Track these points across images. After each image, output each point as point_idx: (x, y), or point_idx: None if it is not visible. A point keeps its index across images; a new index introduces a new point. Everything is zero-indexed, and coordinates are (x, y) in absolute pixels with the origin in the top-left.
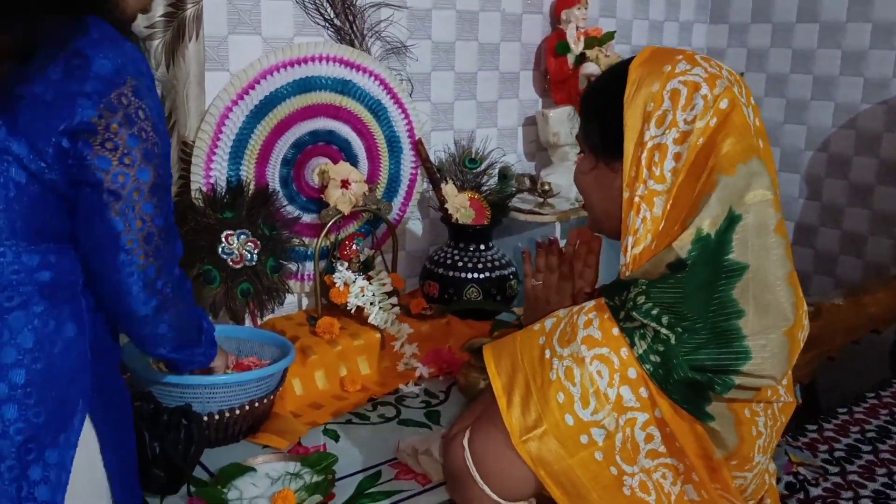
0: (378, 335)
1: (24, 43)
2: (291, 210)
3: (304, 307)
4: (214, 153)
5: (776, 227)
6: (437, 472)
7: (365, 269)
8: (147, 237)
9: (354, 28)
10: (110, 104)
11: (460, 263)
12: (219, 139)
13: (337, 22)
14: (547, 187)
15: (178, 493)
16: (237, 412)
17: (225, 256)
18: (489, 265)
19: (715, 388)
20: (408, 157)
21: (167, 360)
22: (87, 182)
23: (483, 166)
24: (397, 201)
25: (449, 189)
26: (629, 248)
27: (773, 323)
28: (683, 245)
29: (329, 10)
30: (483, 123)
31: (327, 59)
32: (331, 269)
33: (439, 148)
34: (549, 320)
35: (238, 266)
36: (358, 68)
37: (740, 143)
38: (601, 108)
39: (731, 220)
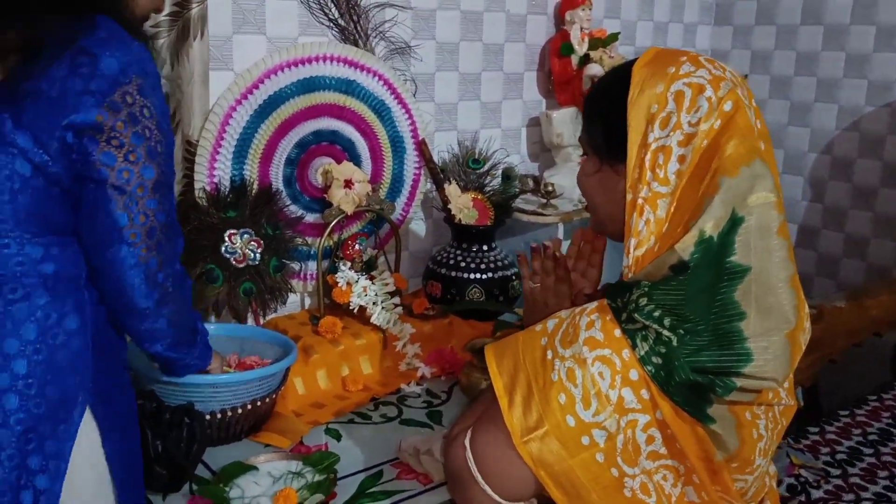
0: (380, 335)
1: (31, 40)
2: (295, 210)
3: (306, 306)
4: (218, 152)
5: (779, 230)
6: (439, 471)
7: (368, 268)
8: (149, 232)
9: (359, 28)
10: (115, 102)
11: (463, 264)
12: (223, 138)
13: (341, 22)
14: (550, 188)
15: (181, 492)
16: (239, 411)
17: (228, 255)
18: (492, 266)
19: (716, 391)
20: (411, 158)
21: (163, 358)
22: (92, 177)
23: (486, 167)
24: (400, 201)
25: (452, 189)
26: (632, 249)
27: (774, 325)
28: (686, 247)
29: (333, 10)
30: (487, 124)
31: (331, 59)
32: (333, 269)
33: (443, 148)
34: (551, 321)
35: (241, 265)
36: (362, 68)
37: (743, 145)
38: (605, 109)
39: (734, 223)
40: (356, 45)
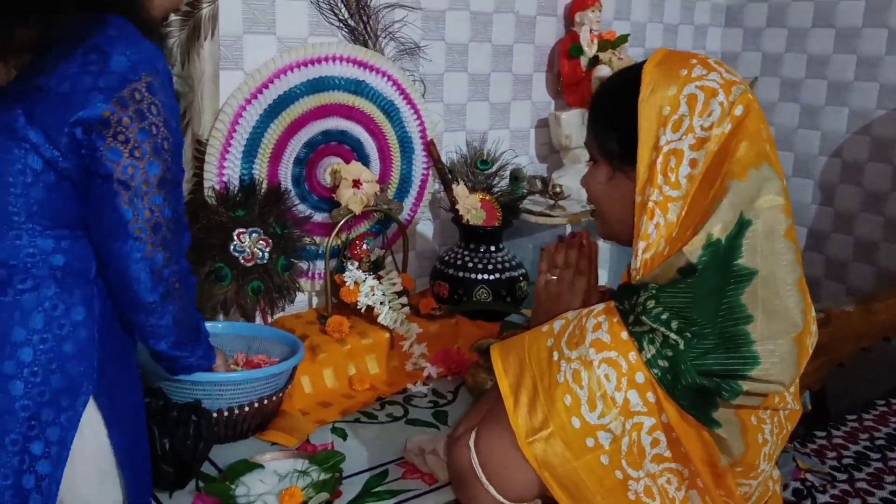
0: (387, 335)
1: (44, 37)
2: (303, 209)
3: (314, 306)
4: (228, 151)
5: (786, 233)
6: (444, 471)
7: (375, 268)
8: (155, 227)
9: (368, 29)
10: (123, 99)
11: (470, 264)
12: (232, 138)
13: (351, 22)
14: (558, 189)
15: (187, 489)
16: (246, 409)
17: (237, 254)
18: (499, 266)
19: (723, 394)
20: (420, 158)
21: (168, 356)
22: (98, 173)
23: (495, 168)
24: (408, 201)
25: (460, 190)
26: (640, 252)
27: (781, 328)
28: (694, 250)
29: (343, 10)
30: (495, 125)
31: (341, 60)
32: (341, 269)
33: (451, 149)
34: (557, 322)
35: (249, 264)
36: (371, 69)
37: (753, 149)
38: (615, 112)
39: (742, 226)
40: (366, 45)
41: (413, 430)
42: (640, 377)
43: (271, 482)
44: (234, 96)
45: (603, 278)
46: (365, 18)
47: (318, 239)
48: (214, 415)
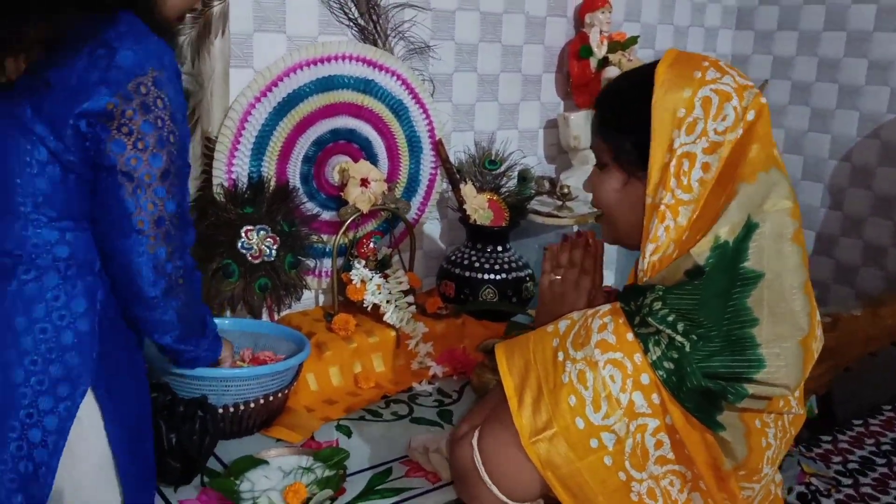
0: (393, 333)
1: (55, 34)
2: (311, 207)
3: (320, 303)
4: (237, 149)
5: (793, 236)
6: (448, 470)
7: (382, 267)
8: (158, 220)
9: (378, 28)
10: (128, 92)
11: (477, 264)
12: (241, 135)
13: (361, 21)
14: (566, 190)
15: (192, 484)
16: (252, 405)
17: (244, 251)
18: (506, 266)
19: (728, 397)
20: (428, 157)
21: (173, 350)
22: (103, 165)
23: (503, 168)
24: (416, 201)
25: (468, 190)
26: (648, 254)
27: (787, 332)
28: (702, 252)
29: (353, 9)
30: (504, 125)
31: (350, 59)
32: (348, 267)
33: (459, 149)
34: (562, 322)
35: (257, 261)
36: (380, 68)
37: (763, 152)
38: (629, 115)
39: (749, 229)
40: (375, 44)
41: (417, 428)
42: (645, 379)
43: (276, 478)
44: (244, 94)
45: (610, 279)
46: (375, 18)
47: (325, 237)
48: (220, 410)
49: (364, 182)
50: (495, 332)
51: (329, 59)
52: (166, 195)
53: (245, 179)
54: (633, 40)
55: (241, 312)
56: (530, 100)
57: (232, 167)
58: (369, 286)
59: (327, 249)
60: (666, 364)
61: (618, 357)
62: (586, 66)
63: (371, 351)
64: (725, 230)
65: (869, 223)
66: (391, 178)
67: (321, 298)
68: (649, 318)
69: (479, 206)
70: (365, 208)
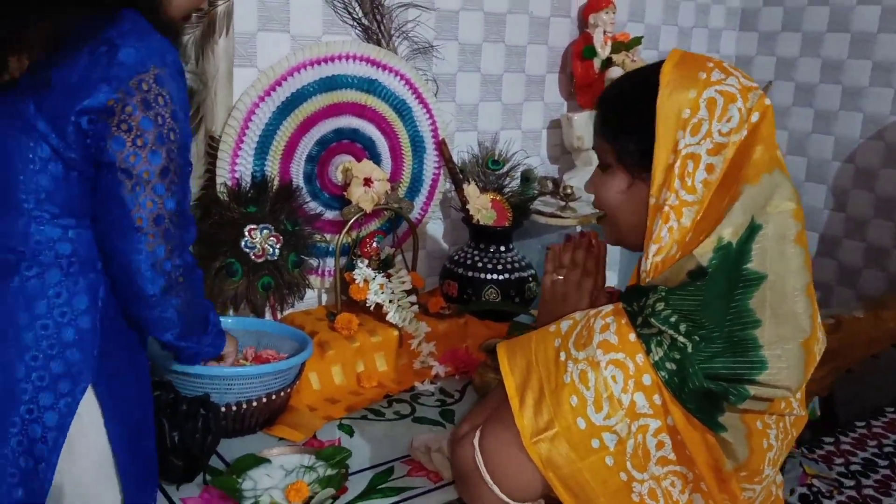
0: (396, 333)
1: (58, 32)
2: (314, 206)
3: (323, 303)
4: (240, 148)
5: (796, 238)
6: (449, 469)
7: (385, 266)
8: (157, 218)
9: (382, 28)
10: (129, 89)
11: (480, 264)
12: (245, 134)
13: (365, 21)
14: (569, 191)
15: (194, 482)
16: (254, 404)
17: (247, 250)
18: (509, 267)
19: (730, 399)
20: (431, 157)
21: (174, 347)
22: (104, 162)
23: (506, 168)
24: (419, 201)
25: (471, 190)
26: (651, 255)
27: (789, 334)
28: (705, 253)
29: (357, 9)
30: (507, 125)
31: (354, 58)
32: (351, 266)
33: (463, 149)
34: (565, 322)
35: (260, 260)
36: (384, 68)
37: (766, 153)
38: (634, 115)
39: (752, 230)
40: (379, 44)
41: (420, 428)
42: (647, 379)
43: (278, 477)
44: (248, 93)
45: (612, 280)
46: (379, 18)
47: (328, 236)
48: (223, 409)
49: (367, 182)
50: (498, 332)
51: (333, 59)
52: (165, 193)
53: (248, 178)
54: (637, 41)
55: (244, 311)
56: (534, 100)
57: (235, 166)
58: (372, 286)
59: (330, 249)
60: (668, 365)
61: (620, 357)
62: (590, 67)
63: (374, 350)
64: (729, 231)
65: (872, 225)
66: (394, 178)
67: (324, 298)
68: (652, 319)
69: (482, 206)
70: (368, 208)
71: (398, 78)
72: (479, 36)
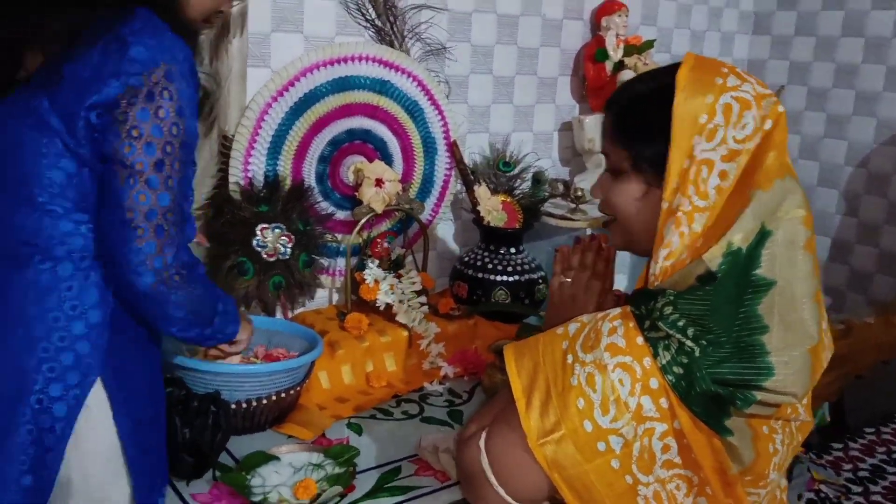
0: (405, 333)
1: (72, 29)
2: (326, 206)
3: (334, 302)
4: (253, 148)
5: (805, 244)
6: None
7: (395, 267)
8: (149, 213)
9: (395, 29)
10: (137, 82)
11: (490, 265)
12: (258, 134)
13: (378, 23)
14: (580, 193)
15: (204, 478)
16: (264, 402)
17: (259, 249)
18: (519, 268)
19: (736, 403)
20: (442, 159)
21: (181, 338)
22: (106, 155)
23: (517, 170)
24: (430, 202)
25: (482, 191)
26: (661, 259)
27: (796, 340)
28: (714, 258)
29: (371, 10)
30: (519, 127)
31: (367, 59)
32: (361, 266)
33: (474, 150)
34: (572, 325)
35: (271, 259)
36: (396, 69)
37: (778, 159)
38: (650, 120)
39: (762, 236)
40: (392, 45)
41: (428, 428)
42: (653, 383)
43: (286, 474)
44: (261, 93)
45: (621, 283)
46: (392, 19)
47: (339, 236)
48: (233, 406)
49: (379, 182)
50: (507, 333)
51: (346, 60)
52: (159, 187)
53: (261, 178)
54: (650, 44)
55: (255, 310)
56: (545, 102)
57: (248, 166)
58: (382, 286)
59: (341, 249)
60: (675, 369)
61: (627, 361)
62: (602, 70)
63: (383, 350)
64: (739, 237)
65: (884, 230)
66: (406, 179)
67: (334, 297)
68: (659, 323)
69: (492, 208)
70: (379, 208)
71: (410, 79)
72: (492, 38)
